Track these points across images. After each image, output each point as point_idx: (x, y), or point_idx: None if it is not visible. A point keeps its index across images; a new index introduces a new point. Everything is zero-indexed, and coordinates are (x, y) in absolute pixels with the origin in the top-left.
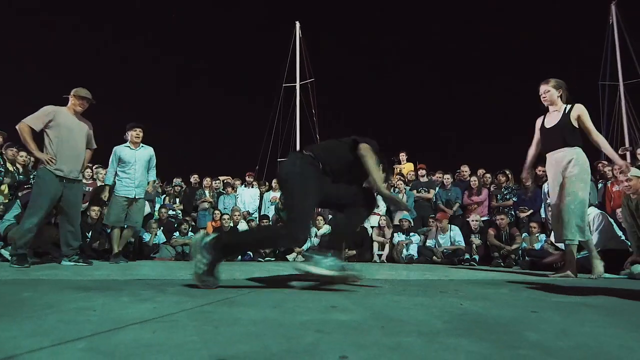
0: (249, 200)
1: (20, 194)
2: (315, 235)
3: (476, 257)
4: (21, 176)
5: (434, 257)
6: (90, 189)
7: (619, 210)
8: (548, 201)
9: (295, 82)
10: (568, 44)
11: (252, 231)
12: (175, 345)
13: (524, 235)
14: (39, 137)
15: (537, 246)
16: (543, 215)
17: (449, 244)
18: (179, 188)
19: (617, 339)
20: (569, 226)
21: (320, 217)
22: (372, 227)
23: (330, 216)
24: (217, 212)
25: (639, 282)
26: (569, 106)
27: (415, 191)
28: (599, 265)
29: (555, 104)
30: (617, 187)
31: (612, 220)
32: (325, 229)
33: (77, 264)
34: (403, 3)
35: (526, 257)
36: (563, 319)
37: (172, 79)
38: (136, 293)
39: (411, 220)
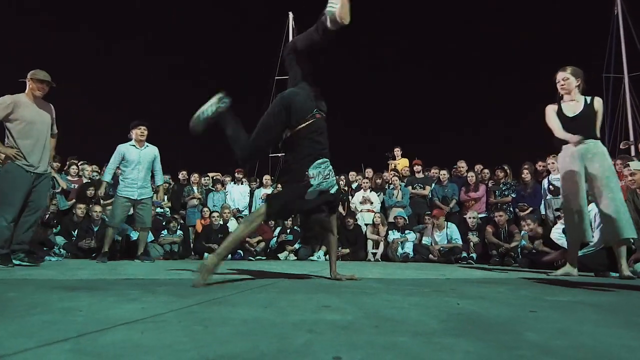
0: (238, 197)
1: None
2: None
3: (474, 255)
4: None
5: (430, 256)
6: (76, 186)
7: None
8: (549, 197)
9: (288, 75)
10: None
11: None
12: (164, 346)
13: (522, 232)
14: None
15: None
16: (543, 212)
17: (445, 242)
18: (167, 185)
19: (617, 339)
20: (625, 223)
21: None
22: (366, 225)
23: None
24: (205, 209)
25: (639, 281)
26: (589, 98)
27: (410, 187)
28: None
29: (572, 93)
30: (621, 182)
31: None
32: None
33: (22, 263)
34: (403, 3)
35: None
36: (562, 318)
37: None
38: (123, 293)
39: (406, 218)
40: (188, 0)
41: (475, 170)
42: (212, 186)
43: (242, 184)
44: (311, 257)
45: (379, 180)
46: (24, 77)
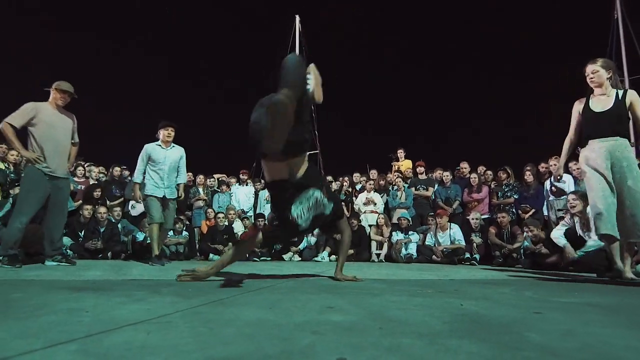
0: (243, 198)
1: (12, 192)
2: (312, 234)
3: (477, 256)
4: (12, 174)
5: (434, 257)
6: (83, 187)
7: None
8: (551, 198)
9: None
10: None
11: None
12: (169, 347)
13: (525, 236)
14: (22, 134)
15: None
16: (545, 213)
17: (448, 243)
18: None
19: (622, 340)
20: None
21: None
22: (370, 226)
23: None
24: (210, 210)
25: None
26: (621, 91)
27: (413, 189)
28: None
29: (603, 86)
30: None
31: None
32: None
33: (60, 264)
34: (403, 3)
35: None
36: (567, 320)
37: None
38: (129, 294)
39: (410, 219)
40: (188, 0)
41: (478, 171)
42: (217, 187)
43: (247, 185)
44: (315, 258)
45: (382, 182)
46: (49, 86)
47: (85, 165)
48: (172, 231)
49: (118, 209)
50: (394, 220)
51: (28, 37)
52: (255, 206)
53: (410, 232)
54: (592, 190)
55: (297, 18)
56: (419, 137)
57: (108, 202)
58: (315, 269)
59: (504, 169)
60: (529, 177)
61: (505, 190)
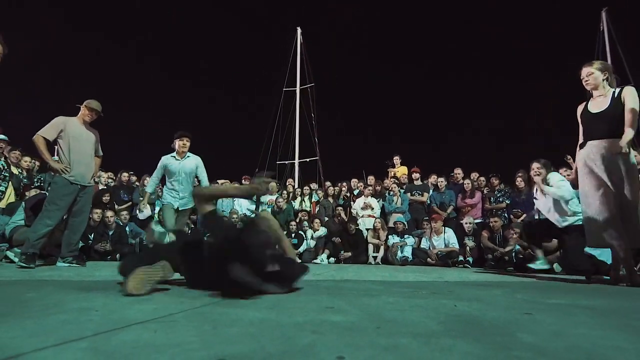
0: (245, 202)
1: (25, 197)
2: (312, 237)
3: (470, 259)
4: (25, 179)
5: (429, 259)
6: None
7: None
8: (537, 201)
9: (296, 87)
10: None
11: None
12: (174, 345)
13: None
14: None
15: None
16: (536, 217)
17: (443, 246)
18: None
19: (610, 341)
20: None
21: (317, 220)
22: (367, 229)
23: (326, 219)
24: None
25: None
26: (617, 90)
27: (409, 194)
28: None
29: (599, 89)
30: None
31: None
32: (322, 231)
33: (72, 265)
34: (403, 3)
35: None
36: (557, 321)
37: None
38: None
39: (405, 223)
40: (188, 0)
41: (472, 177)
42: None
43: None
44: (315, 260)
45: (379, 187)
46: (74, 98)
47: None
48: None
49: (125, 212)
50: (390, 224)
51: (28, 37)
52: (257, 210)
53: (405, 236)
54: (587, 197)
55: (299, 30)
56: (417, 138)
57: (116, 206)
58: (314, 270)
59: (496, 175)
60: (520, 182)
61: (498, 195)
